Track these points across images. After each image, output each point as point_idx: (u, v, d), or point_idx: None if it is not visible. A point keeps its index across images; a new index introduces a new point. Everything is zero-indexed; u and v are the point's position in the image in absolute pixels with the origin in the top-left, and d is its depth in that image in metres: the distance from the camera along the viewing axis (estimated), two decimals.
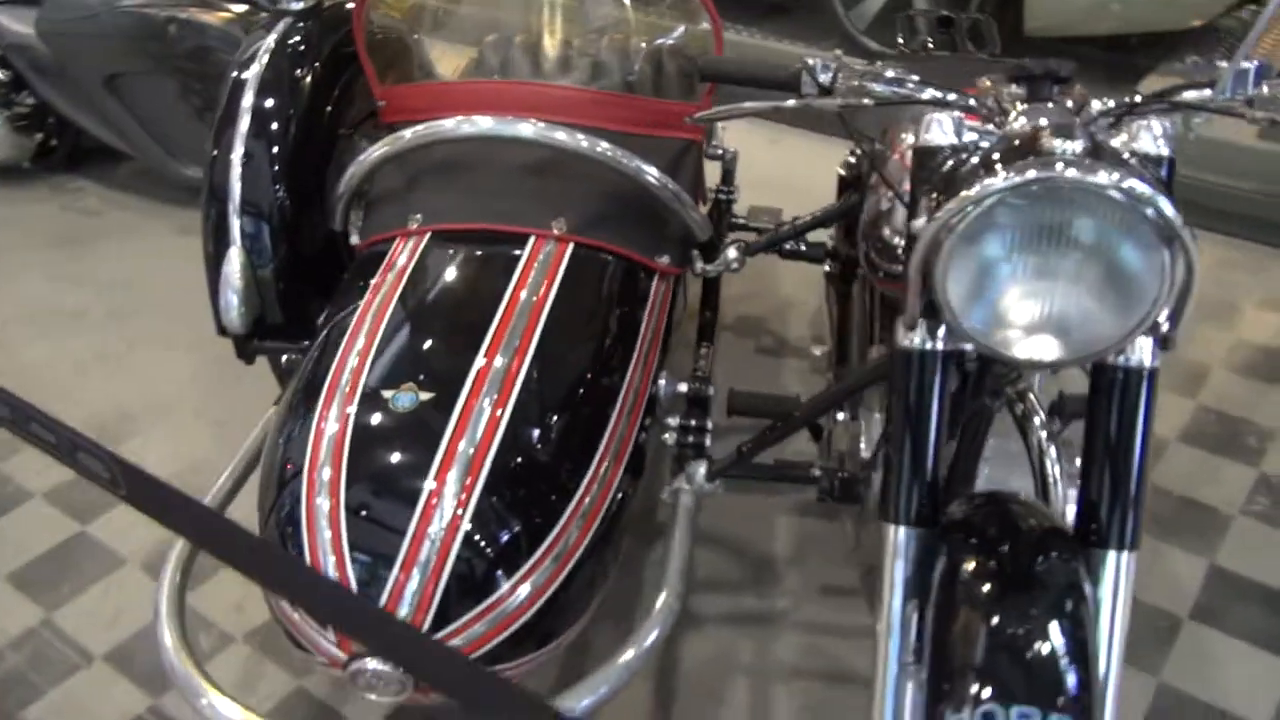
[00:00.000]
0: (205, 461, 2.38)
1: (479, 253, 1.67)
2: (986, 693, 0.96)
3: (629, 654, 1.43)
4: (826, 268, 2.50)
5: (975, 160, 1.08)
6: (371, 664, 1.32)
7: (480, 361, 1.46)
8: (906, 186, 1.24)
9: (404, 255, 1.67)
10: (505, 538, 1.37)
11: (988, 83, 1.23)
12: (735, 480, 1.74)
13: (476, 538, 1.34)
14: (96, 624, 1.99)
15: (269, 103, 1.93)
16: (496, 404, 1.42)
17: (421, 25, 2.31)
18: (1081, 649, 0.99)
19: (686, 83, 2.15)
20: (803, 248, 2.33)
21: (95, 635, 1.97)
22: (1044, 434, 1.51)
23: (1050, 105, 1.11)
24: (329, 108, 2.07)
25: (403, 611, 1.31)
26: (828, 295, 2.47)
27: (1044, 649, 0.99)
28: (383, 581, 1.31)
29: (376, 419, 1.40)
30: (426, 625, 1.32)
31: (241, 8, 2.99)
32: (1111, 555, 1.13)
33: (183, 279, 2.25)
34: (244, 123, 1.90)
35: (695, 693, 1.85)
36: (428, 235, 1.70)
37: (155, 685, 1.87)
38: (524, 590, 1.37)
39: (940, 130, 1.13)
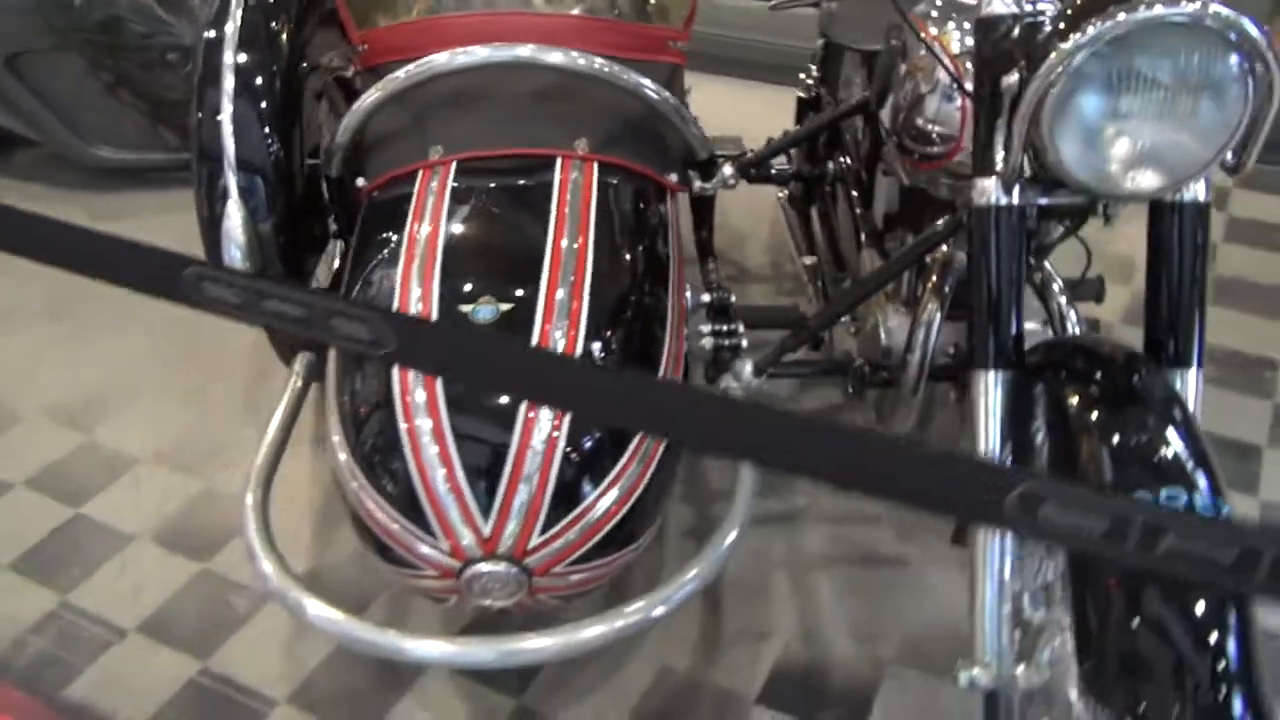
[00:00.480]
0: (191, 431, 2.33)
1: (511, 179, 1.69)
2: (1131, 482, 1.07)
3: (725, 539, 1.50)
4: (782, 194, 2.61)
5: (1047, 22, 1.18)
6: (486, 567, 1.36)
7: (544, 286, 1.50)
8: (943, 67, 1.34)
9: (435, 185, 1.68)
10: (595, 448, 1.42)
11: None
12: (772, 378, 1.82)
13: (571, 450, 1.40)
14: (119, 599, 1.93)
15: (249, 57, 1.90)
16: (570, 325, 1.47)
17: None
18: (1196, 439, 1.11)
19: (666, 6, 2.19)
20: (771, 172, 2.42)
21: (122, 610, 1.91)
22: (1063, 299, 1.65)
23: None
24: (302, 60, 2.05)
25: (512, 524, 1.36)
26: (789, 218, 2.57)
27: (1165, 441, 1.10)
28: (493, 494, 1.36)
29: None
30: (536, 533, 1.37)
31: None
32: (1179, 373, 1.26)
33: None
34: (228, 80, 1.86)
35: (741, 594, 1.93)
36: (453, 164, 1.71)
37: (202, 648, 1.83)
38: (612, 495, 1.43)
39: (1003, 1, 1.23)
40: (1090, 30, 1.08)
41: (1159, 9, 1.06)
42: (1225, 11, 1.06)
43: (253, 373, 2.48)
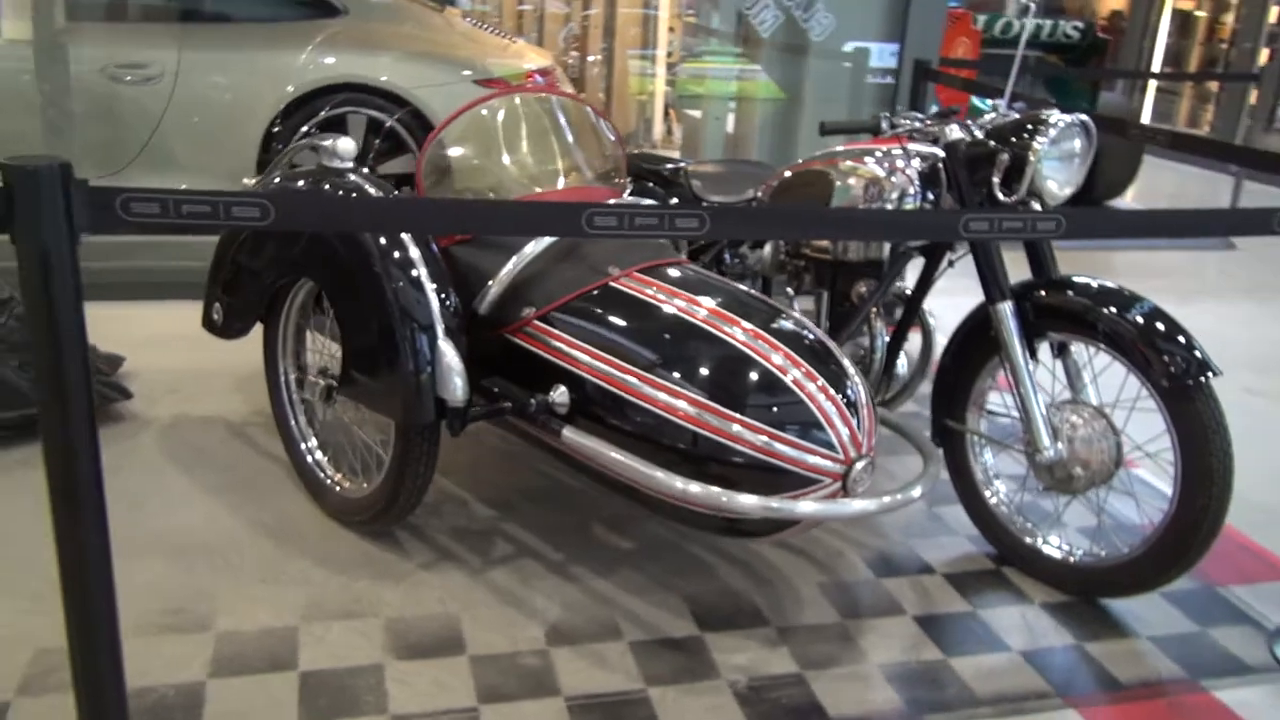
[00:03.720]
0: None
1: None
2: None
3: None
4: None
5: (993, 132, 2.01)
6: (861, 464, 2.02)
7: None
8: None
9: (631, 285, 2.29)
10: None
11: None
12: None
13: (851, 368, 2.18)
14: None
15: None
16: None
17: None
18: None
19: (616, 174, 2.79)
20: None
21: None
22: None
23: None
24: None
25: (865, 426, 2.08)
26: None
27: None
28: (855, 409, 2.08)
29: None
30: (872, 431, 2.11)
31: None
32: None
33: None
34: (412, 250, 2.29)
35: None
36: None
37: None
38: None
39: (957, 132, 2.05)
40: (1053, 130, 1.78)
41: (1069, 117, 2.15)
42: (1085, 117, 2.12)
43: None
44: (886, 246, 2.65)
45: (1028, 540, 2.51)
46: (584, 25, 7.19)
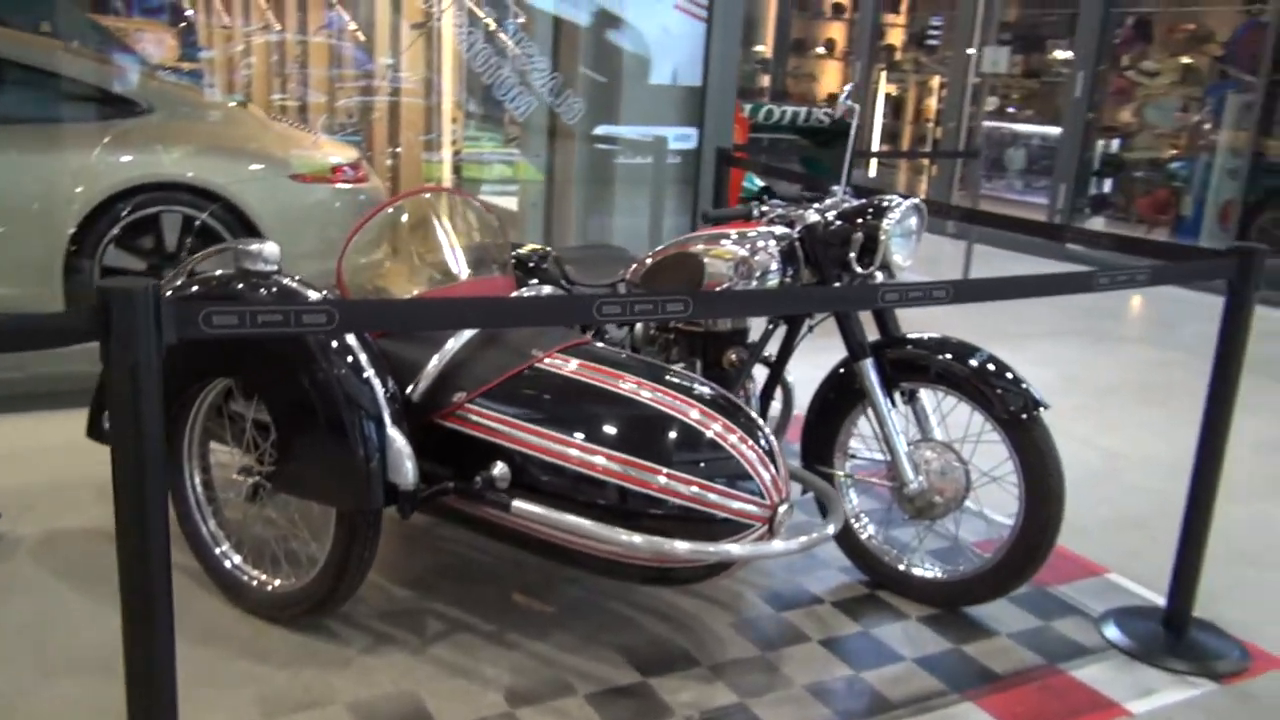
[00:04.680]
0: None
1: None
2: None
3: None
4: None
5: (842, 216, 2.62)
6: (783, 506, 2.28)
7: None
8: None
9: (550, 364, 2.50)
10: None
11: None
12: None
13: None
14: None
15: None
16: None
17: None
18: None
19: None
20: None
21: None
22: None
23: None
24: None
25: (782, 472, 2.35)
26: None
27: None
28: (772, 457, 2.34)
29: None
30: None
31: None
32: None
33: None
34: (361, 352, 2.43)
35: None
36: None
37: None
38: None
39: (813, 216, 2.61)
40: (897, 211, 2.51)
41: (909, 201, 2.63)
42: (919, 200, 2.66)
43: None
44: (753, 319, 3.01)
45: (899, 566, 2.89)
46: (365, 117, 7.30)
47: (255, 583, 2.60)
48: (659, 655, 2.54)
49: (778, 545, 2.30)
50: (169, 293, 2.58)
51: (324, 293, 2.47)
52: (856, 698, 2.43)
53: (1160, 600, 2.93)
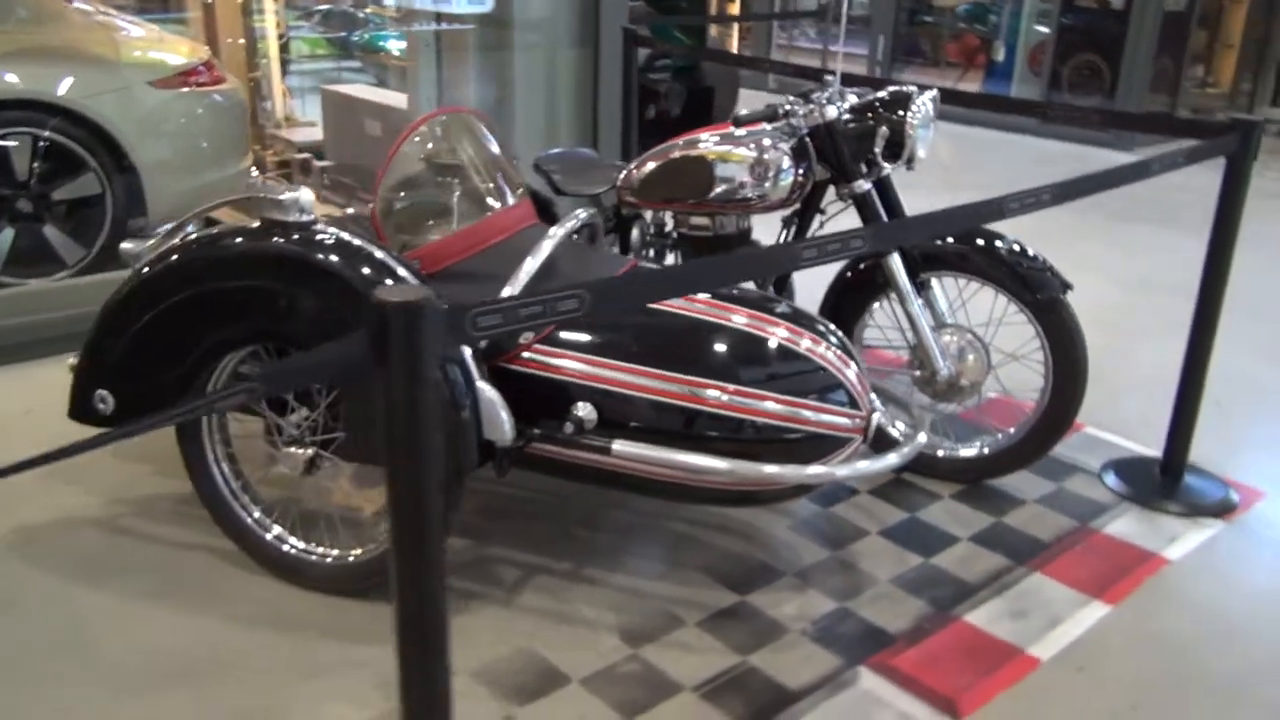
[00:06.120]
0: None
1: None
2: None
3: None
4: None
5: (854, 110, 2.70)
6: (877, 415, 2.31)
7: None
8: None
9: None
10: None
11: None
12: None
13: None
14: None
15: None
16: None
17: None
18: None
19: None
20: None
21: None
22: None
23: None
24: None
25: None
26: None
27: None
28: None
29: None
30: None
31: None
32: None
33: None
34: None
35: None
36: None
37: None
38: None
39: (831, 112, 2.67)
40: (923, 104, 2.71)
41: (930, 93, 2.79)
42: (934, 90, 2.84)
43: None
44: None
45: (925, 451, 3.00)
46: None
47: (317, 558, 2.40)
48: (742, 571, 2.56)
49: (892, 459, 2.32)
50: (175, 257, 2.25)
51: (371, 240, 2.23)
52: (940, 584, 2.53)
53: (1137, 447, 3.20)
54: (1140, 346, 4.06)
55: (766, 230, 3.07)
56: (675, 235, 3.06)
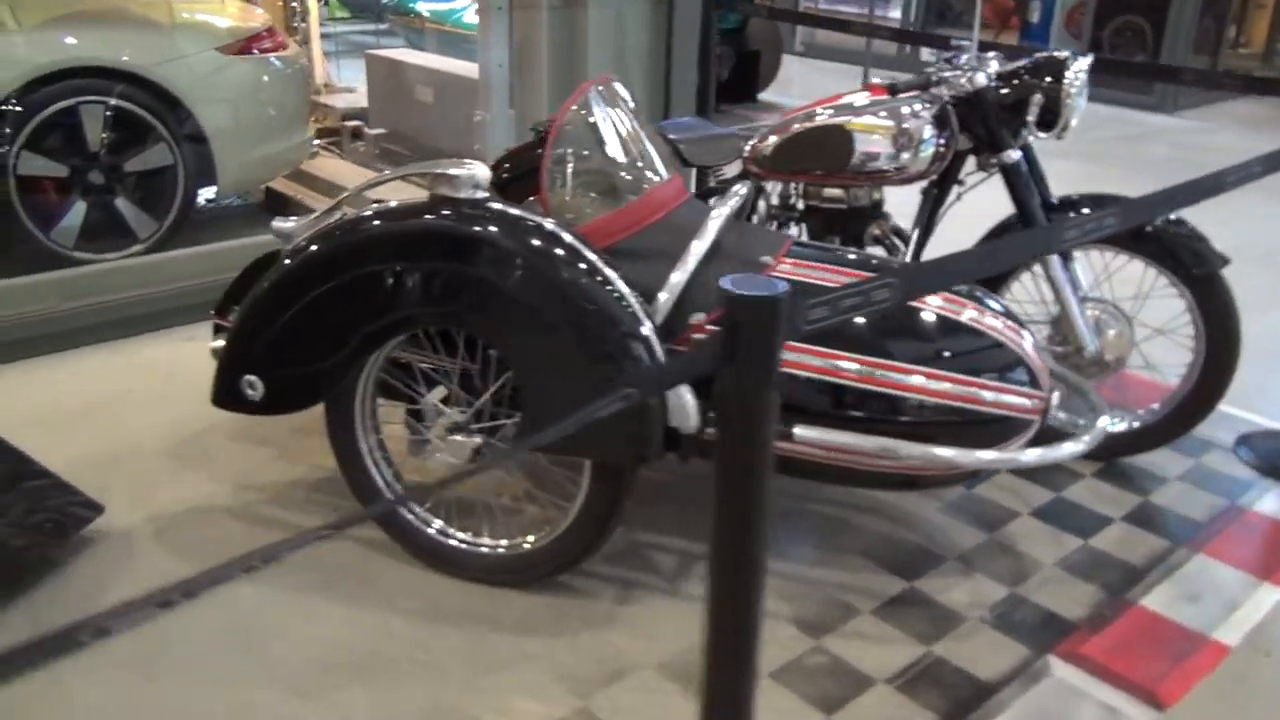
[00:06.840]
0: None
1: None
2: None
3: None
4: None
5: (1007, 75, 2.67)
6: (1055, 397, 2.21)
7: None
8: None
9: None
10: None
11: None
12: None
13: None
14: None
15: None
16: None
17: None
18: None
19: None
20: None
21: None
22: None
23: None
24: None
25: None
26: None
27: None
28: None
29: None
30: None
31: None
32: None
33: None
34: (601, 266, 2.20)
35: None
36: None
37: None
38: None
39: (980, 79, 2.62)
40: (1079, 71, 2.65)
41: (1086, 59, 2.72)
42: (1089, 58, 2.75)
43: None
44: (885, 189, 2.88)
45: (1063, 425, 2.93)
46: None
47: (484, 550, 2.32)
48: (904, 556, 2.49)
49: (1081, 445, 2.23)
50: (337, 234, 2.15)
51: (542, 216, 2.13)
52: (1106, 568, 2.47)
53: (1262, 420, 3.15)
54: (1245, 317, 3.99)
55: (898, 203, 2.98)
56: (804, 207, 2.96)
